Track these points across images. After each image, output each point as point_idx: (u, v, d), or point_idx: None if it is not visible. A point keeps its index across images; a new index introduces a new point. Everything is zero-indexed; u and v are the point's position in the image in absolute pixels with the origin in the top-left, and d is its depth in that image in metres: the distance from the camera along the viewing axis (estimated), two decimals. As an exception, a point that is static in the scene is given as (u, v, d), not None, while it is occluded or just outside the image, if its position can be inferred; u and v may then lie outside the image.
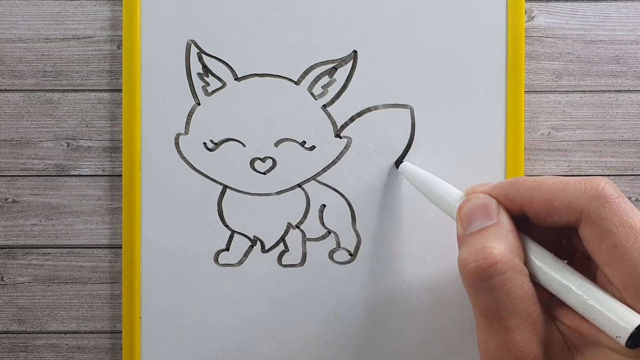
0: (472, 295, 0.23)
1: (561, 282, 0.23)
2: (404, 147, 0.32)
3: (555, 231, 0.26)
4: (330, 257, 0.33)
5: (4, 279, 0.34)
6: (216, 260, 0.33)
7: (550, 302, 0.24)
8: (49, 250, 0.34)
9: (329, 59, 0.32)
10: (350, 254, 0.33)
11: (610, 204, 0.22)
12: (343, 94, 0.32)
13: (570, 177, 0.23)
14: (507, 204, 0.25)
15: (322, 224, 0.33)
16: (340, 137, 0.33)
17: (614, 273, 0.21)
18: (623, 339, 0.20)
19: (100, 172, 0.34)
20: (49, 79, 0.33)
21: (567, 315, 0.23)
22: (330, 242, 0.33)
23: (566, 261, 0.26)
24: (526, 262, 0.24)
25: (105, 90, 0.34)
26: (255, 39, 0.32)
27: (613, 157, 0.34)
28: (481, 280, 0.23)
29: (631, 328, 0.20)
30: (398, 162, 0.32)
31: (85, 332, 0.34)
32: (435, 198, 0.28)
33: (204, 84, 0.33)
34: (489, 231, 0.24)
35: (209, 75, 0.33)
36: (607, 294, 0.22)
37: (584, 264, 0.25)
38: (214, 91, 0.33)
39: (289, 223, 0.33)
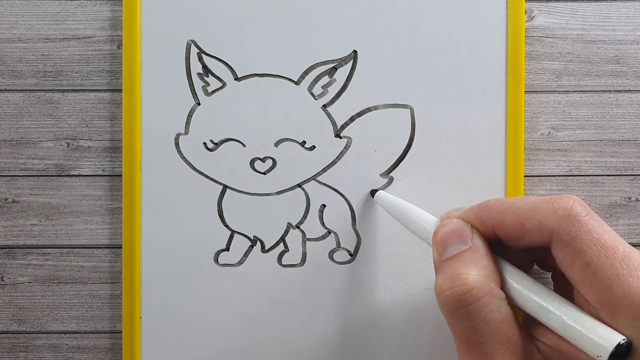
0: (450, 322, 0.23)
1: (539, 304, 0.23)
2: (404, 147, 0.32)
3: (530, 251, 0.26)
4: (330, 257, 0.33)
5: (4, 279, 0.34)
6: (216, 260, 0.33)
7: (529, 323, 0.24)
8: (49, 250, 0.34)
9: (329, 59, 0.32)
10: (350, 254, 0.33)
11: (580, 222, 0.21)
12: (343, 94, 0.32)
13: (540, 197, 0.23)
14: (480, 228, 0.25)
15: (322, 224, 0.33)
16: (340, 137, 0.33)
17: (588, 292, 0.21)
18: (604, 358, 0.20)
19: (100, 172, 0.34)
20: (49, 79, 0.33)
21: (546, 335, 0.23)
22: (330, 242, 0.33)
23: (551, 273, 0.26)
24: (503, 285, 0.24)
25: (105, 90, 0.34)
26: (255, 39, 0.32)
27: (613, 157, 0.34)
28: (458, 307, 0.23)
29: (611, 347, 0.20)
30: (373, 192, 0.32)
31: (85, 332, 0.34)
32: (411, 225, 0.28)
33: (204, 84, 0.33)
34: (464, 256, 0.24)
35: (209, 75, 0.33)
36: (586, 314, 0.21)
37: (562, 279, 0.25)
38: (214, 91, 0.33)
39: (289, 223, 0.33)
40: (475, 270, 0.23)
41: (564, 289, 0.25)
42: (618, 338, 0.20)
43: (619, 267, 0.20)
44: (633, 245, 0.33)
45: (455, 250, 0.24)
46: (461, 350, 0.23)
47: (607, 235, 0.21)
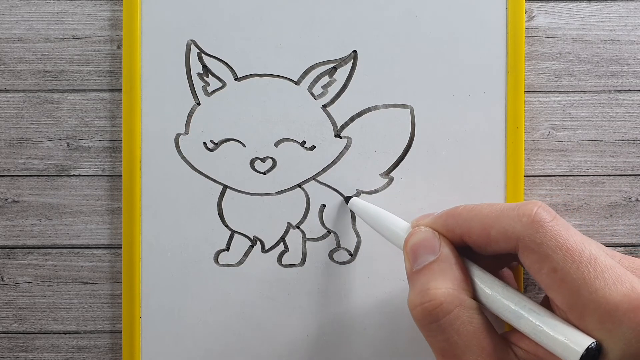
0: (425, 336, 0.23)
1: (510, 309, 0.23)
2: (404, 147, 0.32)
3: (500, 257, 0.26)
4: (330, 257, 0.33)
5: (4, 279, 0.34)
6: (216, 260, 0.33)
7: (506, 332, 0.24)
8: (49, 250, 0.34)
9: (329, 59, 0.32)
10: (350, 254, 0.33)
11: (544, 228, 0.21)
12: (343, 94, 0.32)
13: (505, 205, 0.23)
14: (448, 235, 0.25)
15: (322, 224, 0.33)
16: (340, 137, 0.33)
17: (556, 296, 0.21)
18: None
19: (100, 172, 0.34)
20: (49, 79, 0.33)
21: (523, 340, 0.23)
22: (330, 242, 0.33)
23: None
24: (474, 291, 0.24)
25: (105, 90, 0.34)
26: (255, 39, 0.32)
27: (613, 157, 0.34)
28: (430, 322, 0.23)
29: (581, 350, 0.20)
30: (347, 199, 0.32)
31: (85, 332, 0.34)
32: (384, 231, 0.28)
33: (204, 84, 0.33)
34: (433, 268, 0.24)
35: (209, 75, 0.33)
36: (556, 318, 0.22)
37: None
38: (214, 91, 0.33)
39: (289, 223, 0.33)
40: (443, 283, 0.23)
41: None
42: (588, 341, 0.20)
43: (585, 271, 0.20)
44: (633, 246, 0.33)
45: (424, 261, 0.24)
46: None
47: (572, 240, 0.21)
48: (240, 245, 0.33)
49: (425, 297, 0.23)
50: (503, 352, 0.23)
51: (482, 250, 0.24)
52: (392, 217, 0.28)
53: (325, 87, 0.32)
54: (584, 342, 0.20)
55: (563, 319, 0.21)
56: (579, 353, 0.20)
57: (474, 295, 0.24)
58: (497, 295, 0.23)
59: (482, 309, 0.24)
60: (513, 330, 0.24)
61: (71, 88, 0.34)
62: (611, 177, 0.34)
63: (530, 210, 0.22)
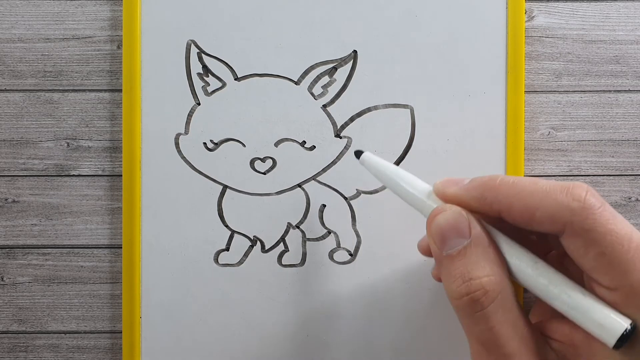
0: (467, 325, 0.23)
1: (548, 287, 0.22)
2: (404, 147, 0.32)
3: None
4: (330, 257, 0.33)
5: (4, 279, 0.34)
6: (216, 260, 0.33)
7: (539, 322, 0.24)
8: (49, 250, 0.34)
9: (329, 59, 0.32)
10: (350, 254, 0.33)
11: (594, 215, 0.21)
12: (343, 94, 0.32)
13: (549, 184, 0.22)
14: (483, 209, 0.24)
15: (322, 224, 0.33)
16: (340, 137, 0.33)
17: (603, 277, 0.21)
18: (611, 342, 0.21)
19: (100, 172, 0.34)
20: (49, 79, 0.33)
21: (558, 330, 0.23)
22: (330, 242, 0.33)
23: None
24: (511, 272, 0.23)
25: (105, 90, 0.34)
26: (255, 39, 0.32)
27: (613, 157, 0.34)
28: (475, 311, 0.22)
29: (619, 332, 0.20)
30: (358, 153, 0.28)
31: (85, 332, 0.34)
32: (402, 192, 0.26)
33: (204, 84, 0.33)
34: (469, 254, 0.23)
35: (209, 75, 0.33)
36: (595, 299, 0.22)
37: (558, 262, 0.25)
38: (214, 91, 0.33)
39: (289, 223, 0.33)
40: (484, 269, 0.22)
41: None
42: (626, 323, 0.21)
43: (634, 255, 0.21)
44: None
45: (456, 245, 0.23)
46: (477, 352, 0.23)
47: (620, 226, 0.21)
48: (240, 245, 0.33)
49: (472, 287, 0.22)
50: (541, 341, 0.23)
51: (520, 227, 0.23)
52: (410, 177, 0.26)
53: (325, 87, 0.32)
54: (623, 324, 0.21)
55: (603, 298, 0.22)
56: (618, 334, 0.20)
57: (511, 276, 0.23)
58: (536, 273, 0.23)
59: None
60: (545, 322, 0.24)
61: (71, 88, 0.34)
62: (611, 177, 0.34)
63: (579, 195, 0.21)
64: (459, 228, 0.23)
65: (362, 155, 0.27)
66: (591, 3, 0.34)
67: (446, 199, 0.24)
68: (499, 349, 0.22)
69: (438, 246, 0.24)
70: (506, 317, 0.22)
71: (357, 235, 0.33)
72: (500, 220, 0.24)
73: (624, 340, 0.20)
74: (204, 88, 0.33)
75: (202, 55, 0.33)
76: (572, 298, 0.22)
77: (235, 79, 0.33)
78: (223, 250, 0.33)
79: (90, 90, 0.34)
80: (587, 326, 0.21)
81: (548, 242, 0.27)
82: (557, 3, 0.34)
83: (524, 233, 0.25)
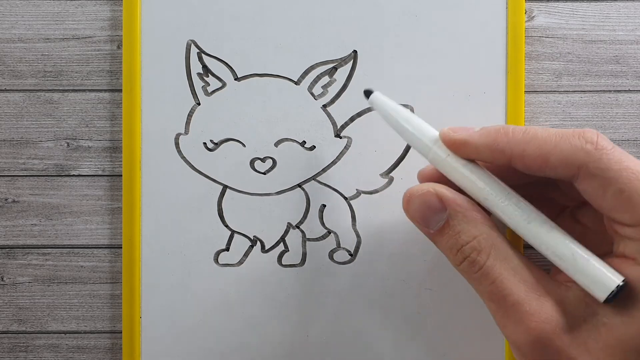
0: (476, 287, 0.24)
1: (542, 239, 0.23)
2: (404, 147, 0.32)
3: (536, 184, 0.26)
4: (330, 257, 0.33)
5: (4, 279, 0.34)
6: (216, 260, 0.33)
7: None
8: (49, 250, 0.34)
9: (329, 59, 0.32)
10: (350, 254, 0.33)
11: (608, 154, 0.22)
12: (343, 94, 0.32)
13: (561, 131, 0.23)
14: (494, 156, 0.24)
15: (322, 224, 0.33)
16: (340, 137, 0.33)
17: (623, 215, 0.21)
18: (602, 296, 0.21)
19: (100, 172, 0.34)
20: (49, 79, 0.33)
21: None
22: (330, 242, 0.33)
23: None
24: (503, 222, 0.24)
25: (105, 90, 0.34)
26: (255, 39, 0.32)
27: (613, 157, 0.34)
28: (474, 271, 0.23)
29: (611, 288, 0.21)
30: (368, 93, 0.27)
31: (85, 332, 0.34)
32: (408, 136, 0.26)
33: (204, 84, 0.33)
34: (451, 225, 0.24)
35: (209, 75, 0.33)
36: (591, 254, 0.22)
37: (573, 218, 0.25)
38: (214, 91, 0.33)
39: (289, 223, 0.33)
40: (470, 233, 0.23)
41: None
42: (618, 280, 0.21)
43: None
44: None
45: (439, 220, 0.24)
46: (492, 310, 0.23)
47: (634, 163, 0.22)
48: (240, 245, 0.33)
49: (465, 253, 0.23)
50: (552, 285, 0.23)
51: (531, 173, 0.24)
52: (418, 121, 0.26)
53: (325, 87, 0.32)
54: (616, 279, 0.21)
55: (626, 237, 0.22)
56: (609, 289, 0.21)
57: (505, 227, 0.24)
58: (527, 221, 0.23)
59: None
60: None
61: (71, 88, 0.34)
62: (611, 177, 0.34)
63: (592, 138, 0.22)
64: (433, 206, 0.24)
65: (372, 96, 0.27)
66: (591, 3, 0.34)
67: (454, 145, 0.24)
68: (507, 299, 0.22)
69: (423, 228, 0.25)
70: (505, 267, 0.23)
71: (357, 235, 0.33)
72: (509, 170, 0.24)
73: (618, 295, 0.21)
74: (204, 88, 0.33)
75: (202, 55, 0.33)
76: (572, 252, 0.22)
77: (235, 79, 0.33)
78: (223, 250, 0.33)
79: (90, 90, 0.34)
80: (580, 281, 0.22)
81: (559, 198, 0.27)
82: (557, 3, 0.34)
83: (535, 193, 0.26)
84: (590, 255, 0.22)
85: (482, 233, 0.23)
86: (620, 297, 0.21)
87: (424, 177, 0.28)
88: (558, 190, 0.27)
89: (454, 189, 0.25)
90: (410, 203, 0.25)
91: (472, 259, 0.23)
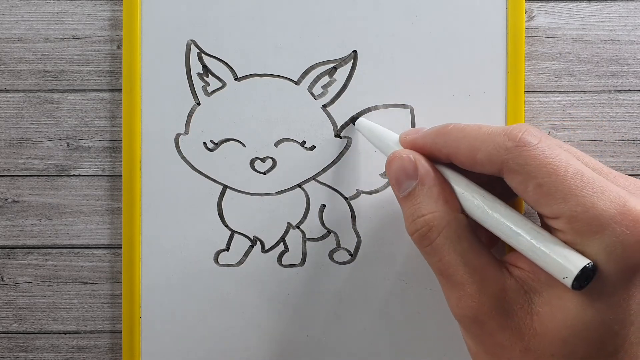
0: (425, 258, 0.25)
1: (508, 227, 0.23)
2: (404, 147, 0.32)
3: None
4: (330, 257, 0.33)
5: (4, 279, 0.34)
6: (216, 260, 0.33)
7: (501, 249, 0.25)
8: (49, 250, 0.34)
9: (329, 59, 0.32)
10: (350, 254, 0.33)
11: (528, 151, 0.22)
12: (343, 94, 0.32)
13: (492, 128, 0.24)
14: (435, 154, 0.25)
15: (322, 224, 0.33)
16: (340, 137, 0.33)
17: (545, 209, 0.22)
18: (569, 280, 0.21)
19: (100, 172, 0.34)
20: (49, 79, 0.33)
21: (521, 259, 0.24)
22: (330, 242, 0.33)
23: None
24: (463, 207, 0.24)
25: (105, 90, 0.34)
26: (255, 39, 0.32)
27: (613, 157, 0.34)
28: (424, 245, 0.24)
29: (576, 270, 0.21)
30: (354, 119, 0.32)
31: (85, 332, 0.34)
32: (376, 142, 0.29)
33: (204, 84, 0.33)
34: (416, 194, 0.25)
35: (209, 75, 0.33)
36: (553, 237, 0.22)
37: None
38: (214, 91, 0.33)
39: (289, 223, 0.33)
40: (428, 206, 0.24)
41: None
42: (583, 262, 0.21)
43: (570, 182, 0.21)
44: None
45: (408, 187, 0.25)
46: (441, 283, 0.25)
47: (557, 158, 0.22)
48: (240, 245, 0.33)
49: (418, 225, 0.25)
50: (495, 270, 0.23)
51: (469, 170, 0.25)
52: (382, 129, 0.29)
53: (325, 87, 0.32)
54: (580, 262, 0.21)
55: (558, 238, 0.22)
56: (574, 273, 0.21)
57: (463, 210, 0.24)
58: (485, 207, 0.24)
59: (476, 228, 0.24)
60: (512, 251, 0.24)
61: (71, 88, 0.34)
62: (611, 177, 0.34)
63: (515, 135, 0.23)
64: (407, 170, 0.25)
65: (357, 121, 0.31)
66: (591, 3, 0.34)
67: (406, 145, 0.27)
68: (450, 278, 0.24)
69: (396, 190, 0.26)
70: (454, 248, 0.24)
71: (357, 235, 0.33)
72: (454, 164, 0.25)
73: (584, 280, 0.21)
74: (204, 88, 0.33)
75: (202, 55, 0.33)
76: (534, 237, 0.22)
77: (235, 79, 0.33)
78: (223, 250, 0.33)
79: (90, 90, 0.34)
80: (546, 266, 0.22)
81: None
82: (557, 3, 0.34)
83: (489, 182, 0.27)
84: (547, 239, 0.22)
85: (439, 211, 0.24)
86: (583, 283, 0.21)
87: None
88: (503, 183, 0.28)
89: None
90: (391, 163, 0.26)
91: (423, 232, 0.24)
